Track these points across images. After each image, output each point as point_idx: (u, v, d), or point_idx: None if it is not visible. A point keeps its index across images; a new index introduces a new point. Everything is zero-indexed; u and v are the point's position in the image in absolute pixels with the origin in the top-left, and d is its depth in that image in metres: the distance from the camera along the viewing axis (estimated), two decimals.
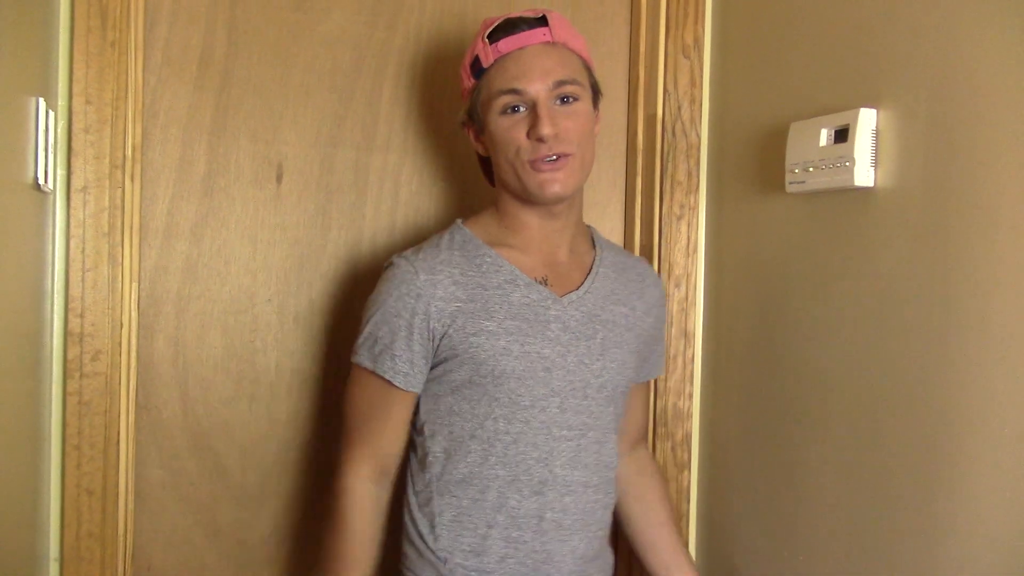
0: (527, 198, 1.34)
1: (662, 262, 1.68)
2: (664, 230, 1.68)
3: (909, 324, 1.19)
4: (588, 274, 1.41)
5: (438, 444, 1.33)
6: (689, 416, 1.70)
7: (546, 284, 1.35)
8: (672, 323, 1.68)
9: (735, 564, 1.59)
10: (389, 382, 1.30)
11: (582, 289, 1.37)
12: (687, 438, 1.70)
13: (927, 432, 1.16)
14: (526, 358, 1.30)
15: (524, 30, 1.31)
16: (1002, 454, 1.05)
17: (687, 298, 1.69)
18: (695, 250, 1.69)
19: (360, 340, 1.33)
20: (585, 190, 1.74)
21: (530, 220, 1.37)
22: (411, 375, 1.30)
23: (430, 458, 1.33)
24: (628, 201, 1.76)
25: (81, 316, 1.44)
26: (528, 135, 1.29)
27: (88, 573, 1.46)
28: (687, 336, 1.69)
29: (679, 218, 1.68)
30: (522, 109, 1.30)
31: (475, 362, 1.29)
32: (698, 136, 1.68)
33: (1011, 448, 1.04)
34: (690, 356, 1.69)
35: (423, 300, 1.28)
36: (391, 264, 1.33)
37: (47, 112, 1.29)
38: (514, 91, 1.29)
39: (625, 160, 1.76)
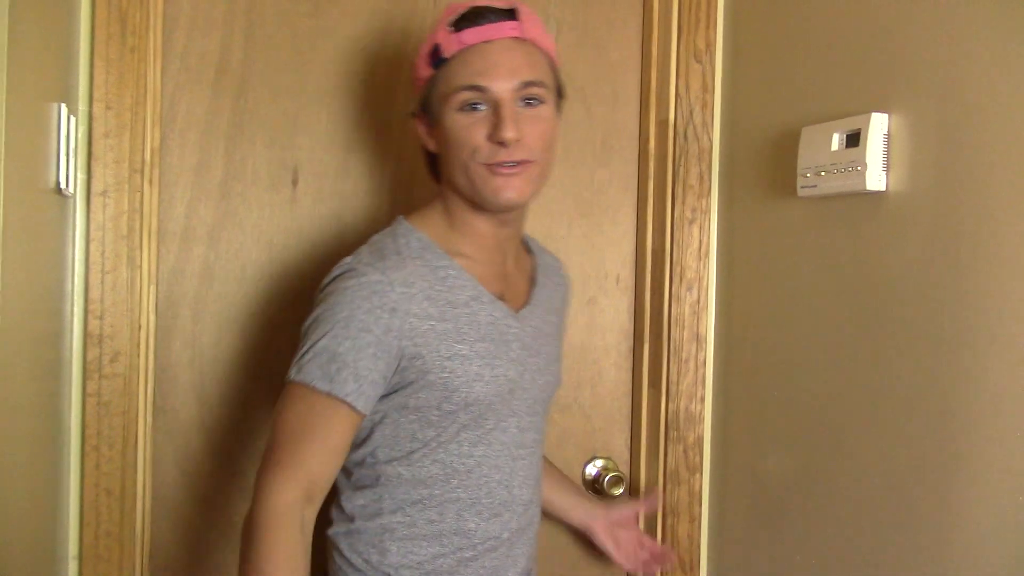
0: (477, 203, 1.25)
1: (674, 266, 1.69)
2: (676, 234, 1.69)
3: (920, 328, 1.19)
4: (532, 285, 1.36)
5: (392, 468, 1.23)
6: (701, 419, 1.71)
7: (503, 299, 1.28)
8: (684, 327, 1.69)
9: (749, 567, 1.60)
10: (345, 403, 1.15)
11: (531, 302, 1.33)
12: (699, 441, 1.71)
13: (939, 435, 1.16)
14: (495, 382, 1.22)
15: (492, 21, 1.21)
16: (1014, 459, 1.05)
17: (699, 302, 1.70)
18: (707, 254, 1.70)
19: (306, 355, 1.16)
20: (597, 193, 1.76)
21: (482, 227, 1.28)
22: (371, 397, 1.17)
23: (382, 479, 1.23)
24: (640, 205, 1.77)
25: (100, 318, 1.46)
26: (489, 137, 1.19)
27: (106, 572, 1.48)
28: (699, 340, 1.70)
29: (691, 222, 1.69)
30: (483, 107, 1.20)
31: (448, 389, 1.19)
32: (710, 140, 1.69)
33: (1021, 451, 1.04)
34: (702, 360, 1.70)
35: (398, 316, 1.16)
36: (353, 271, 1.19)
37: (68, 117, 1.31)
38: (476, 87, 1.19)
39: (637, 164, 1.77)
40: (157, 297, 1.57)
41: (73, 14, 1.42)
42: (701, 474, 1.71)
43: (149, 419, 1.54)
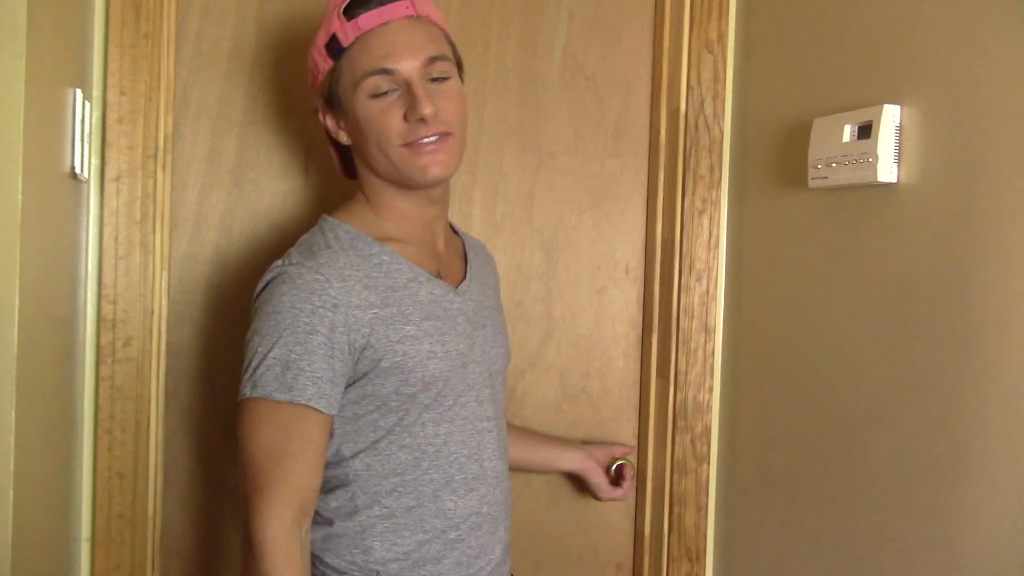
0: (404, 184, 1.24)
1: (684, 256, 1.69)
2: (686, 224, 1.69)
3: (930, 319, 1.20)
4: (465, 262, 1.37)
5: (360, 461, 1.21)
6: (709, 409, 1.71)
7: (440, 277, 1.28)
8: (693, 317, 1.70)
9: (755, 557, 1.61)
10: (310, 408, 1.13)
11: (468, 279, 1.33)
12: (707, 431, 1.71)
13: (948, 427, 1.17)
14: (447, 357, 1.22)
15: (384, 3, 1.19)
16: (1023, 453, 1.06)
17: (708, 292, 1.70)
18: (716, 244, 1.70)
19: (258, 370, 1.14)
20: (607, 183, 1.76)
21: (409, 209, 1.27)
22: (332, 397, 1.15)
23: (352, 475, 1.21)
24: (650, 195, 1.77)
25: (114, 303, 1.47)
26: (405, 117, 1.19)
27: (118, 554, 1.50)
28: (707, 330, 1.70)
29: (701, 212, 1.69)
30: (394, 91, 1.19)
31: (403, 371, 1.18)
32: (721, 131, 1.69)
33: None
34: (710, 350, 1.71)
35: (341, 311, 1.14)
36: (285, 274, 1.17)
37: (83, 103, 1.32)
38: (384, 71, 1.18)
39: (648, 155, 1.78)
40: (170, 282, 1.58)
41: (88, 0, 1.42)
42: (708, 464, 1.72)
43: (161, 403, 1.55)
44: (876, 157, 1.25)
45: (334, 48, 1.21)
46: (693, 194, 1.69)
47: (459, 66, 1.29)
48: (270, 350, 1.13)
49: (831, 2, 1.43)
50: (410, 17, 1.20)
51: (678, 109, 1.70)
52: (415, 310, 1.20)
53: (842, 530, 1.36)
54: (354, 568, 1.21)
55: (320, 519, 1.23)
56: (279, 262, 1.21)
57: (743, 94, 1.67)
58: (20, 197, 0.90)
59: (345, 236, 1.22)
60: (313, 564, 1.21)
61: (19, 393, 0.92)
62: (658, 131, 1.75)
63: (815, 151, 1.39)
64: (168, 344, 1.57)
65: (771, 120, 1.57)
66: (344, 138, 1.27)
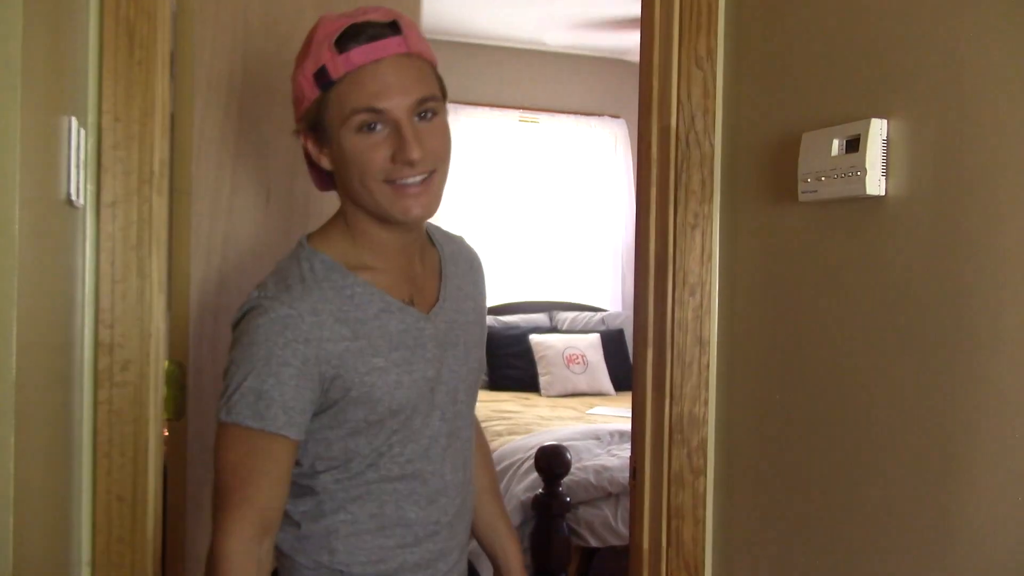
0: (384, 218, 1.25)
1: (676, 270, 1.70)
2: (678, 239, 1.70)
3: (921, 330, 1.21)
4: (440, 279, 1.38)
5: (329, 476, 1.28)
6: (705, 422, 1.72)
7: (412, 304, 1.31)
8: (688, 330, 1.71)
9: (754, 569, 1.61)
10: (279, 435, 1.20)
11: (441, 299, 1.35)
12: (703, 444, 1.72)
13: (940, 437, 1.18)
14: (414, 386, 1.27)
15: (377, 39, 1.19)
16: (1015, 459, 1.07)
17: (701, 306, 1.71)
18: (709, 258, 1.71)
19: (233, 396, 1.19)
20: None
21: (386, 238, 1.29)
22: (301, 424, 1.22)
23: (319, 487, 1.28)
24: (642, 211, 1.78)
25: (111, 327, 1.48)
26: (392, 158, 1.20)
27: None
28: (702, 343, 1.71)
29: (693, 227, 1.70)
30: (380, 128, 1.20)
31: (371, 401, 1.23)
32: (712, 146, 1.70)
33: (1022, 451, 1.06)
34: (705, 363, 1.72)
35: (312, 345, 1.19)
36: (260, 308, 1.20)
37: (78, 130, 1.33)
38: (373, 110, 1.19)
39: (637, 170, 1.79)
40: (166, 306, 1.59)
41: (81, 27, 1.44)
42: (705, 477, 1.73)
43: (159, 426, 1.56)
44: (864, 170, 1.27)
45: (323, 79, 1.21)
46: (685, 209, 1.70)
47: (444, 95, 1.29)
48: (244, 379, 1.19)
49: (818, 17, 1.44)
50: (402, 55, 1.21)
51: (668, 125, 1.71)
52: (384, 342, 1.25)
53: (839, 541, 1.37)
54: (321, 567, 1.28)
55: (289, 521, 1.29)
56: (255, 292, 1.24)
57: (733, 109, 1.69)
58: (17, 225, 0.91)
59: (320, 267, 1.25)
60: (286, 562, 1.31)
61: (18, 418, 0.93)
62: (649, 146, 1.76)
63: (804, 165, 1.41)
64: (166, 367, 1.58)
65: (761, 135, 1.59)
66: (326, 164, 1.28)
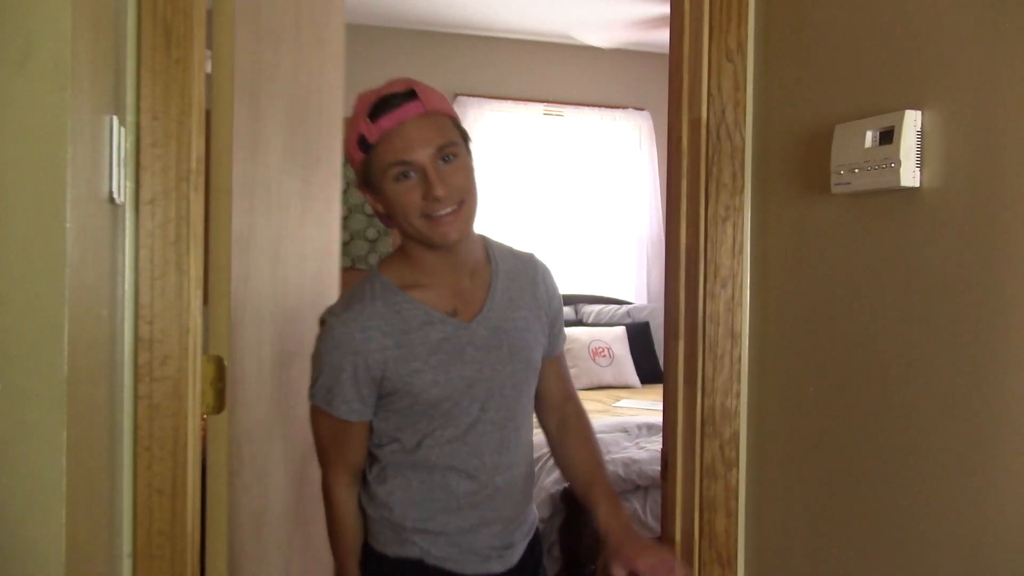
0: (429, 244, 1.52)
1: (708, 263, 1.71)
2: (710, 232, 1.71)
3: (955, 322, 1.21)
4: (488, 291, 1.63)
5: (390, 448, 1.60)
6: (737, 415, 1.72)
7: (455, 315, 1.57)
8: (719, 323, 1.71)
9: (788, 561, 1.62)
10: (346, 420, 1.56)
11: (485, 308, 1.60)
12: (735, 437, 1.73)
13: (977, 431, 1.18)
14: (450, 384, 1.54)
15: (399, 106, 1.48)
16: None
17: (733, 298, 1.72)
18: (741, 251, 1.71)
19: (315, 387, 1.57)
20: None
21: (434, 261, 1.56)
22: (363, 411, 1.56)
23: (383, 457, 1.60)
24: (672, 204, 1.79)
25: (150, 323, 1.50)
26: (424, 196, 1.47)
27: (159, 569, 1.52)
28: (734, 336, 1.72)
29: (725, 219, 1.71)
30: (412, 175, 1.48)
31: (412, 394, 1.53)
32: (743, 139, 1.71)
33: None
34: (737, 355, 1.72)
35: (361, 355, 1.51)
36: (325, 323, 1.54)
37: (119, 128, 1.35)
38: (403, 162, 1.47)
39: (668, 163, 1.79)
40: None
41: (121, 27, 1.46)
42: (737, 469, 1.73)
43: (198, 420, 1.58)
44: (898, 162, 1.27)
45: (364, 144, 1.51)
46: (716, 201, 1.70)
47: (465, 139, 1.55)
48: (319, 377, 1.56)
49: (849, 8, 1.44)
50: (421, 114, 1.48)
51: (699, 118, 1.71)
52: (423, 348, 1.53)
53: (873, 533, 1.37)
54: (384, 520, 1.61)
55: (366, 483, 1.64)
56: (326, 310, 1.56)
57: (764, 102, 1.69)
58: (68, 224, 0.93)
59: (379, 287, 1.57)
60: (363, 514, 1.65)
61: (69, 414, 0.95)
62: (679, 140, 1.77)
63: (837, 157, 1.41)
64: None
65: (792, 127, 1.59)
66: (380, 209, 1.57)
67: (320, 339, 1.55)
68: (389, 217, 1.58)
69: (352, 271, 5.14)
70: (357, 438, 1.60)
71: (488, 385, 1.58)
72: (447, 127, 1.52)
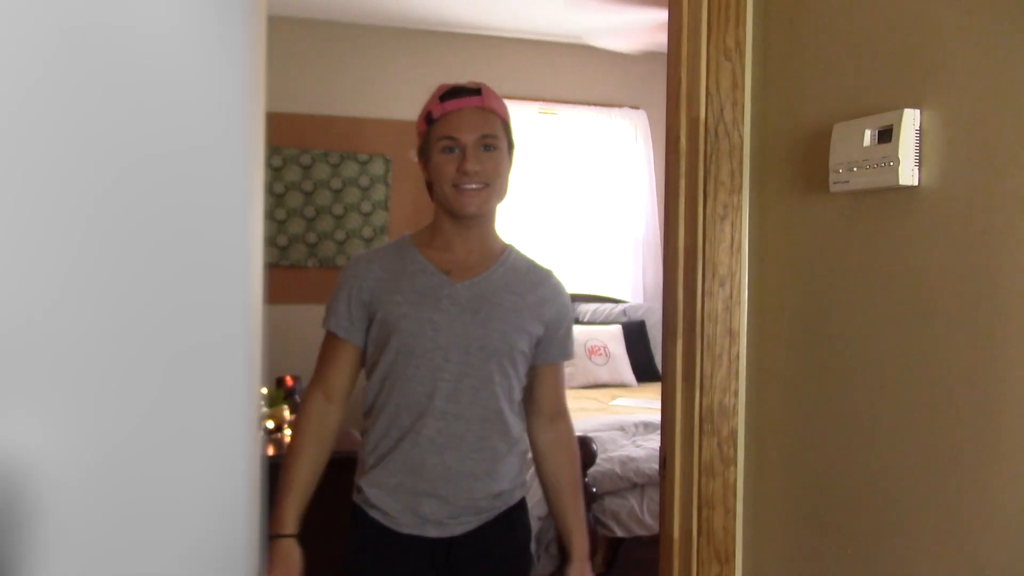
0: (451, 212, 1.81)
1: (706, 262, 1.71)
2: (708, 230, 1.71)
3: (954, 322, 1.21)
4: (486, 271, 1.85)
5: (371, 385, 1.84)
6: (735, 413, 1.73)
7: (448, 274, 1.82)
8: (717, 321, 1.71)
9: (785, 558, 1.62)
10: (334, 334, 1.84)
11: (477, 279, 1.83)
12: (733, 434, 1.73)
13: (975, 431, 1.18)
14: (417, 321, 1.77)
15: (464, 96, 1.80)
16: None
17: (731, 297, 1.72)
18: (739, 249, 1.72)
19: (326, 309, 1.87)
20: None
21: (451, 231, 1.85)
22: (349, 329, 1.83)
23: (369, 395, 1.84)
24: (671, 202, 1.79)
25: None
26: (458, 169, 1.76)
27: None
28: (732, 334, 1.72)
29: (723, 218, 1.71)
30: (456, 151, 1.78)
31: (385, 321, 1.79)
32: (741, 137, 1.71)
33: None
34: (735, 354, 1.72)
35: (358, 280, 1.82)
36: (349, 259, 1.90)
37: None
38: (451, 138, 1.78)
39: (666, 162, 1.79)
40: None
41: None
42: (735, 467, 1.73)
43: None
44: (897, 161, 1.27)
45: (429, 118, 1.83)
46: (715, 200, 1.71)
47: (510, 145, 1.86)
48: (330, 299, 1.86)
49: (848, 7, 1.45)
50: (478, 107, 1.80)
51: (697, 116, 1.71)
52: (408, 287, 1.80)
53: (870, 531, 1.38)
54: (363, 449, 1.86)
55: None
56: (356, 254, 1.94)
57: (762, 100, 1.69)
58: None
59: (401, 243, 1.89)
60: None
61: None
62: (677, 138, 1.77)
63: (836, 156, 1.41)
64: None
65: (791, 126, 1.59)
66: (427, 177, 1.85)
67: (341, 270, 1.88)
68: (431, 186, 1.85)
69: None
70: (341, 360, 1.85)
71: (454, 338, 1.78)
72: (496, 124, 1.82)
